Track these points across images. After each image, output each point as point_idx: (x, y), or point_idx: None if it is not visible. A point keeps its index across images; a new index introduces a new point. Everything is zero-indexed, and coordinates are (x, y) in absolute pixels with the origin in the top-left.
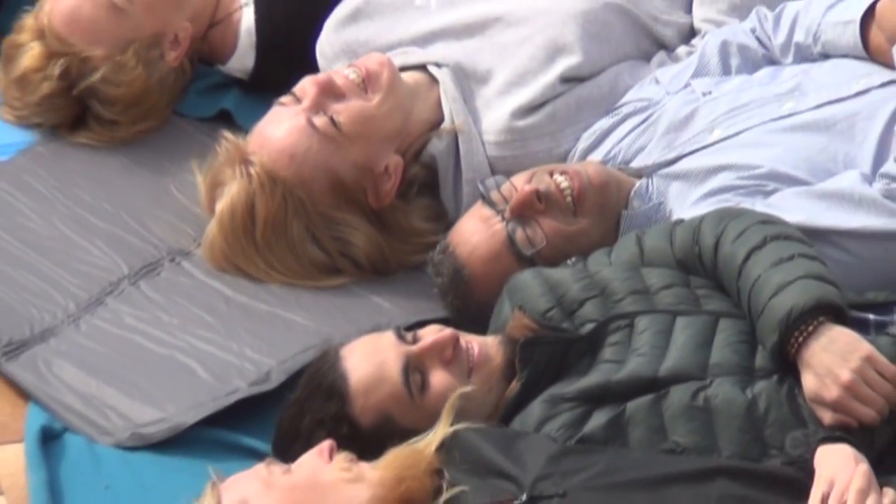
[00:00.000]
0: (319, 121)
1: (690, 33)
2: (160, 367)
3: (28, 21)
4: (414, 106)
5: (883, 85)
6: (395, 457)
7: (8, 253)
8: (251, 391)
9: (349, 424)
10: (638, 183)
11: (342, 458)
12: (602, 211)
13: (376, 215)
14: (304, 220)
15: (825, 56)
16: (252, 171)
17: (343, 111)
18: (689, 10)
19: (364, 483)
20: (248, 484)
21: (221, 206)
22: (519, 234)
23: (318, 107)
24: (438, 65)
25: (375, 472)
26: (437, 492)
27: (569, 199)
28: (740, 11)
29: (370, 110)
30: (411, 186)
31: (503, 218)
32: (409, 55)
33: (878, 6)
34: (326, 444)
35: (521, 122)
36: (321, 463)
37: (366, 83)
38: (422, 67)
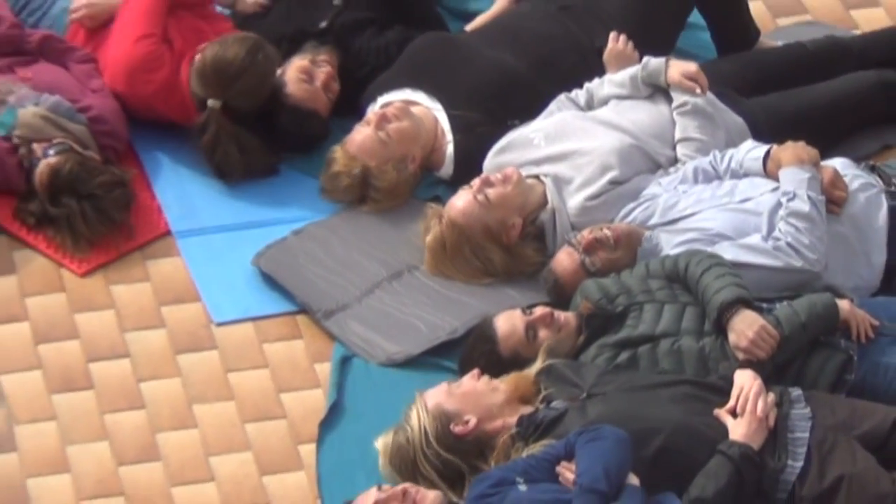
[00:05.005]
0: (480, 197)
1: (675, 160)
2: (402, 324)
3: (337, 148)
4: (530, 195)
5: (773, 190)
6: (513, 376)
7: (326, 266)
8: (448, 338)
9: (497, 356)
10: (646, 233)
11: (485, 378)
12: (628, 247)
13: (508, 248)
14: (470, 248)
15: (746, 175)
16: (444, 222)
17: (492, 193)
18: (674, 148)
19: (499, 391)
20: (439, 392)
21: (429, 239)
22: (587, 260)
23: (480, 191)
24: (545, 175)
25: (503, 384)
26: (537, 395)
27: (612, 241)
28: (702, 151)
29: (507, 193)
30: (527, 235)
31: (579, 252)
32: (530, 169)
33: (772, 151)
34: (476, 371)
35: (588, 205)
36: (474, 381)
37: (505, 181)
38: (535, 176)
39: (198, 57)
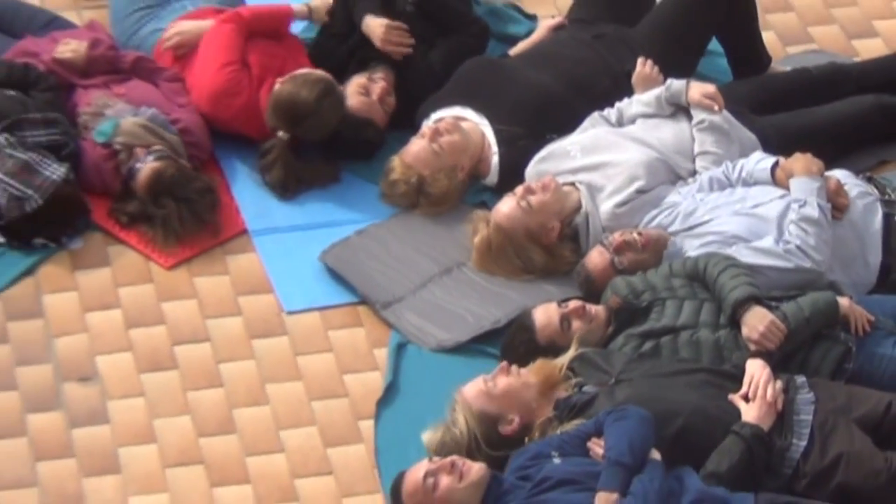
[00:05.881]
0: (523, 203)
1: (694, 172)
2: (451, 315)
3: (395, 158)
4: (567, 201)
5: (780, 196)
6: (541, 364)
7: (385, 262)
8: (492, 327)
9: (535, 344)
10: (670, 238)
11: (514, 370)
12: (655, 250)
13: (546, 248)
14: (513, 248)
15: (756, 184)
16: (490, 225)
17: (534, 200)
18: (693, 161)
19: (531, 384)
20: (479, 395)
21: (476, 240)
22: (616, 259)
23: (523, 198)
24: (580, 183)
25: (532, 374)
26: (564, 380)
27: (639, 245)
28: (718, 163)
29: (547, 200)
30: (564, 237)
31: (610, 252)
32: (566, 178)
33: (782, 162)
34: (505, 364)
35: (618, 210)
36: (506, 376)
37: (544, 189)
38: (571, 184)
39: (276, 87)
